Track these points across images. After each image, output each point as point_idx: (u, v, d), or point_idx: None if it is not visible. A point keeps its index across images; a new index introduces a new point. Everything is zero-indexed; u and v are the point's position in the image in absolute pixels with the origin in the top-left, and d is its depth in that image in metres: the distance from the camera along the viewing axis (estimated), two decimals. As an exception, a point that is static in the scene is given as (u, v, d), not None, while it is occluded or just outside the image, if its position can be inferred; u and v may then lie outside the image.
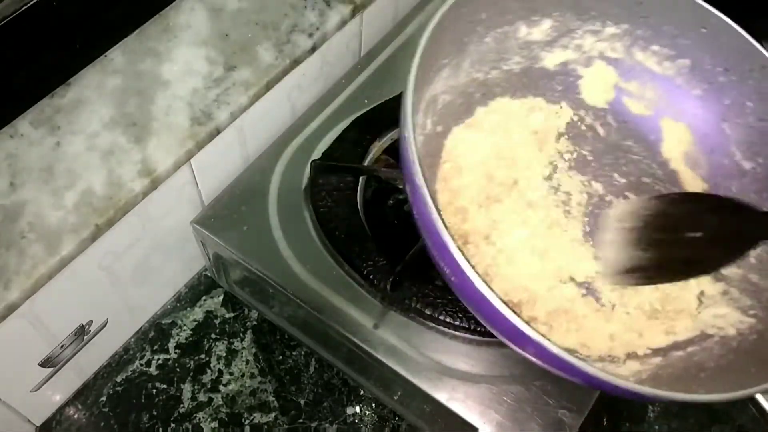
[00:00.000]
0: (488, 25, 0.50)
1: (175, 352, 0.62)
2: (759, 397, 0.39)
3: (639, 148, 0.56)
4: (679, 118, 0.55)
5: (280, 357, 0.62)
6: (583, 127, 0.56)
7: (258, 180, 0.60)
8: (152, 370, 0.61)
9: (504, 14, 0.50)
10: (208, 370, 0.61)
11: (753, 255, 0.49)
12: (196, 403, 0.60)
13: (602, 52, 0.55)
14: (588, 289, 0.50)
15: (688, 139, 0.55)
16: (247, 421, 0.59)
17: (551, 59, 0.55)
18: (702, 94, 0.53)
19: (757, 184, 0.51)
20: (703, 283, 0.50)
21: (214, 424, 0.59)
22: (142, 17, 0.57)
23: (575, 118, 0.56)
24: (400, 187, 0.57)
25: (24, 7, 0.47)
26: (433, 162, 0.51)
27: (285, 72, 0.59)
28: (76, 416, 0.59)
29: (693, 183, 0.54)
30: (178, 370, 0.61)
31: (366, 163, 0.61)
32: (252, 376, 0.61)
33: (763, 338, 0.45)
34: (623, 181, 0.54)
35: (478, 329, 0.51)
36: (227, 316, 0.64)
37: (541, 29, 0.53)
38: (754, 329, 0.46)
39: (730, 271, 0.49)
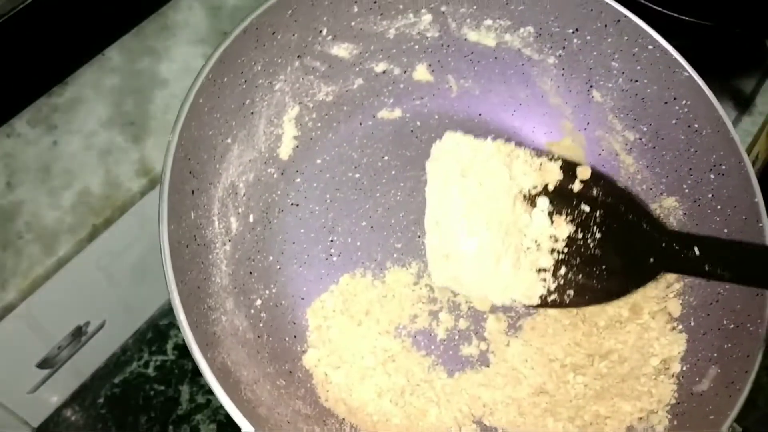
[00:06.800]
0: (269, 71, 0.45)
1: (173, 354, 0.62)
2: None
3: None
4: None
5: (279, 358, 0.62)
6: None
7: (257, 180, 0.59)
8: (150, 371, 0.61)
9: (282, 52, 0.45)
10: (207, 372, 0.61)
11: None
12: (194, 404, 0.59)
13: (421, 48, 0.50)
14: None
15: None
16: (245, 423, 0.58)
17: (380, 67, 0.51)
18: (558, 62, 0.49)
19: (647, 156, 0.48)
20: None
21: (213, 426, 0.58)
22: (140, 15, 0.57)
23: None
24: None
25: (21, 6, 0.47)
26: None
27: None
28: (73, 418, 0.59)
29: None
30: (176, 371, 0.61)
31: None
32: (251, 377, 0.61)
33: None
34: None
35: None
36: (226, 316, 0.64)
37: (343, 47, 0.49)
38: None
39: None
